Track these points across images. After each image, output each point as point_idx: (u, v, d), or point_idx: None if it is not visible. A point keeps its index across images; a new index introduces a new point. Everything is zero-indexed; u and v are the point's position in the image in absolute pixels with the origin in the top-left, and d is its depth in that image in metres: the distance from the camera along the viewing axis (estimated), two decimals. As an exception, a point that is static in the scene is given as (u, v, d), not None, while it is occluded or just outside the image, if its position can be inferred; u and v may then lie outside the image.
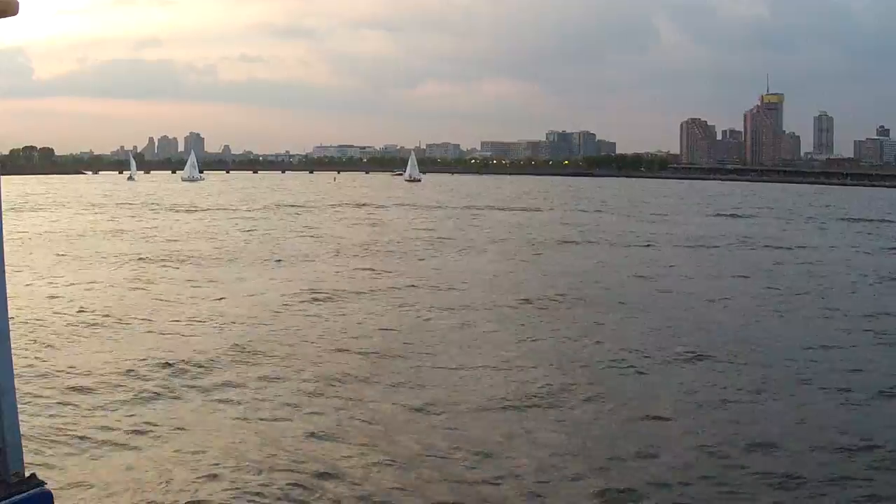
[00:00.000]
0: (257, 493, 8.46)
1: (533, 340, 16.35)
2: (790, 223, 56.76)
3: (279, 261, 29.44)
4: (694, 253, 34.73)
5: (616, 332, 17.23)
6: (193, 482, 8.68)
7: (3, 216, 2.73)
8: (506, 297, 21.36)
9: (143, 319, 17.96)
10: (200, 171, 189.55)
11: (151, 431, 10.31)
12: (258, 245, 35.24)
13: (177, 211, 60.72)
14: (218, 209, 62.65)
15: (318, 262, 29.15)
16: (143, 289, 22.67)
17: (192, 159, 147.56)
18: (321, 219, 54.24)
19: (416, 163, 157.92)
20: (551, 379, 13.10)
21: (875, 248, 38.84)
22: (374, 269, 27.02)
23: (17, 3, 2.59)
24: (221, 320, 17.98)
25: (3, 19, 2.61)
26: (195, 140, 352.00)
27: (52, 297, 20.74)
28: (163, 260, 29.09)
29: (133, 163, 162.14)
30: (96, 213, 56.46)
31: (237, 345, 15.25)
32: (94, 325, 17.23)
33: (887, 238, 45.75)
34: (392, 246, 35.08)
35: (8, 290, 2.73)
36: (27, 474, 2.61)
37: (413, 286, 23.27)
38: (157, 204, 69.87)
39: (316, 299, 20.78)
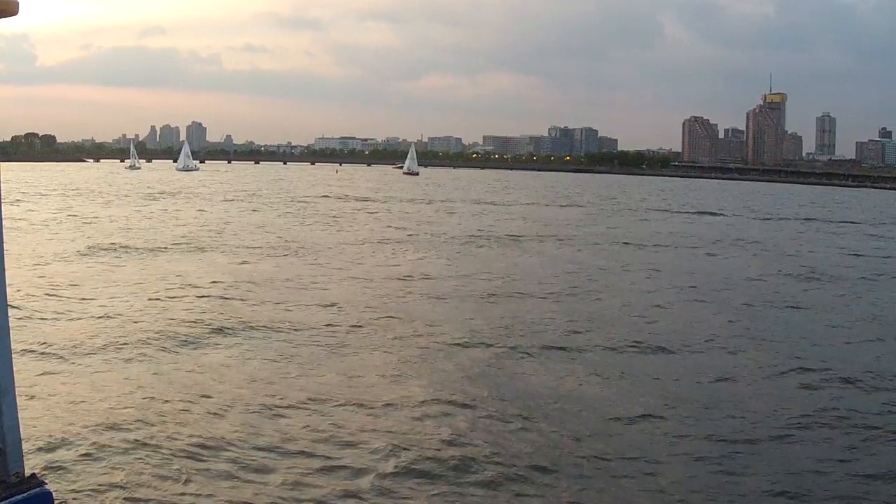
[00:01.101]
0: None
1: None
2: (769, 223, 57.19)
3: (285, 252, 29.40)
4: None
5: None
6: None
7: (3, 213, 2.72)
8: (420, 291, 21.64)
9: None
10: (202, 161, 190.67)
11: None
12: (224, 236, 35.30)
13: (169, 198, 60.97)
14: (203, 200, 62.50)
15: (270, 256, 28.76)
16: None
17: (185, 149, 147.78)
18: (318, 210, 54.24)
19: (415, 156, 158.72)
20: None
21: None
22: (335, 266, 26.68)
23: (18, 3, 2.58)
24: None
25: (3, 19, 2.59)
26: (197, 129, 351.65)
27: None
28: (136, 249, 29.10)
29: (134, 151, 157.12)
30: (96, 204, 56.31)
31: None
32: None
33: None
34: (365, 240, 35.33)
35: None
36: (27, 474, 2.61)
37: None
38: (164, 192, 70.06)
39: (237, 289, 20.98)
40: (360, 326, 16.59)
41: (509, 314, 18.42)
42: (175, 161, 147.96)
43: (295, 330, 16.09)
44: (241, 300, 19.16)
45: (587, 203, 74.31)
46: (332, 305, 18.79)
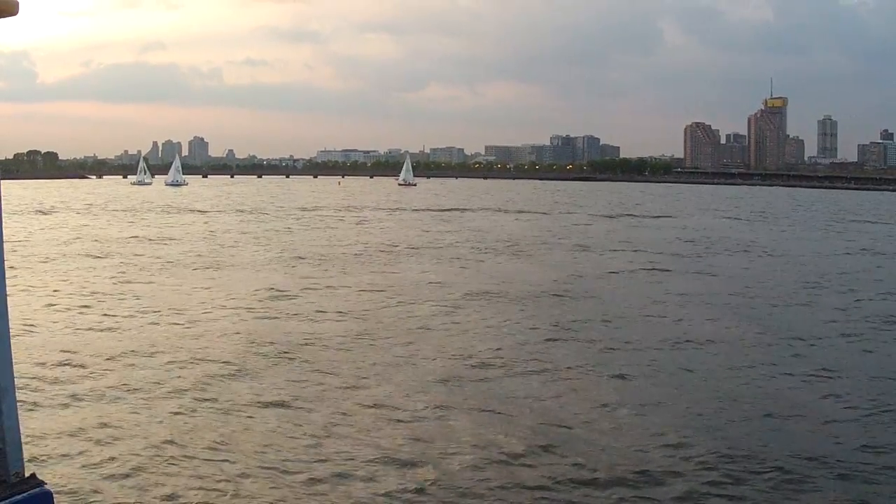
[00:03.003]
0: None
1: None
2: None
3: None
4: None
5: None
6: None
7: (3, 218, 2.74)
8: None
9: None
10: (205, 176, 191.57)
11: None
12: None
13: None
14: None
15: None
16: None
17: (176, 163, 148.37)
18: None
19: (410, 167, 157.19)
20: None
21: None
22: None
23: (18, 3, 2.57)
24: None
25: (3, 19, 2.59)
26: (199, 144, 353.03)
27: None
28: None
29: (144, 166, 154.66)
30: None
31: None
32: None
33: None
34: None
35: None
36: (27, 474, 2.62)
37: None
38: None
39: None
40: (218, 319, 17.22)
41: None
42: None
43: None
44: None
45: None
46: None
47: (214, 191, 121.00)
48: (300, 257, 31.87)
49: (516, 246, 37.55)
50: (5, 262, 2.70)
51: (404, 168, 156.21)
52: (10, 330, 2.66)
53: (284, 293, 22.38)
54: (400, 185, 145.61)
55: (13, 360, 2.65)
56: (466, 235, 43.45)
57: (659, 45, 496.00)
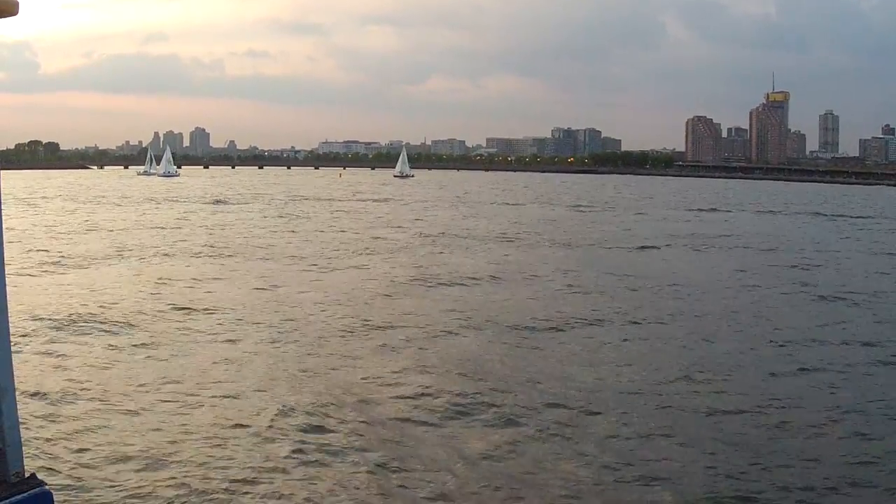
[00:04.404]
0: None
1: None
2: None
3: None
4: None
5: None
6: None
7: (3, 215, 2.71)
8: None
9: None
10: (206, 167, 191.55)
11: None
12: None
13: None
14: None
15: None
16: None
17: (167, 155, 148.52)
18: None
19: (406, 160, 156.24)
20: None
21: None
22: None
23: (18, 3, 2.56)
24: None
25: (3, 19, 2.58)
26: (200, 135, 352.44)
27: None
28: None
29: (151, 157, 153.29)
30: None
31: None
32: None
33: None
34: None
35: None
36: (27, 474, 2.61)
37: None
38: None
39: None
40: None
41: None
42: (179, 167, 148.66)
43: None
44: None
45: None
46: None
47: (205, 182, 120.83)
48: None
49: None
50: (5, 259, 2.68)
51: (400, 160, 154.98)
52: None
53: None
54: (396, 176, 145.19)
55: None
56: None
57: (661, 39, 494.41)
